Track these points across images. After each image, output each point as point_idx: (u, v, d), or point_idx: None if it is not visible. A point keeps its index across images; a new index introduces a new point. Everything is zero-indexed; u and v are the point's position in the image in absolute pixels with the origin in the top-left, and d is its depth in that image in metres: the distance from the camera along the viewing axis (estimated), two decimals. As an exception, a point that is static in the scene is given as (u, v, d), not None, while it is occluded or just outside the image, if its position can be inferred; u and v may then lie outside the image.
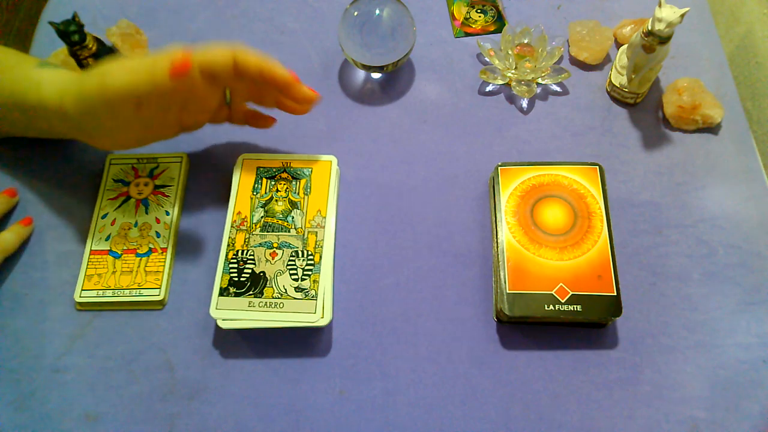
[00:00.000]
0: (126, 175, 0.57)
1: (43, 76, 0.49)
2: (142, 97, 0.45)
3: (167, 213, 0.55)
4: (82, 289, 0.51)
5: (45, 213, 0.56)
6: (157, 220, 0.54)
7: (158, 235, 0.54)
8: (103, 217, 0.55)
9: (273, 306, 0.49)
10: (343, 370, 0.49)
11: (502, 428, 0.47)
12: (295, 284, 0.49)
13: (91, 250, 0.53)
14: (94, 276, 0.52)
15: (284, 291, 0.49)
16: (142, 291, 0.51)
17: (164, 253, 0.53)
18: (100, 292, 0.51)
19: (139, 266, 0.52)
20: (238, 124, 0.56)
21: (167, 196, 0.55)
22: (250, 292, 0.49)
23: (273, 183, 0.54)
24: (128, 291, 0.51)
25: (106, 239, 0.53)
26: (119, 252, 0.53)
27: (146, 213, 0.55)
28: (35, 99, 0.48)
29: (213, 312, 0.49)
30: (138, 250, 0.53)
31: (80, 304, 0.52)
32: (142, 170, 0.57)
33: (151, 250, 0.53)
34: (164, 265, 0.52)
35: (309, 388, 0.49)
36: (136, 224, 0.54)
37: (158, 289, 0.51)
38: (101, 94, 0.44)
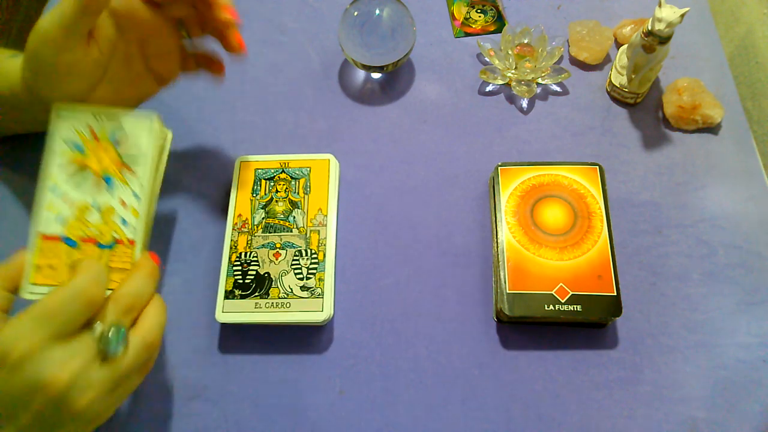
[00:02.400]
0: (81, 135, 0.44)
1: (11, 65, 0.47)
2: (77, 25, 0.40)
3: (136, 196, 0.43)
4: (31, 283, 0.41)
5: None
6: (123, 203, 0.43)
7: (125, 222, 0.43)
8: (53, 189, 0.43)
9: (280, 306, 0.49)
10: (342, 369, 0.49)
11: (502, 428, 0.47)
12: (301, 283, 0.50)
13: (38, 232, 0.42)
14: (44, 267, 0.42)
15: (290, 291, 0.49)
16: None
17: (132, 247, 0.42)
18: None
19: (102, 260, 0.42)
20: (192, 71, 0.52)
21: (133, 172, 0.43)
22: (256, 294, 0.49)
23: (272, 184, 0.54)
24: None
25: (58, 220, 0.43)
26: (76, 240, 0.42)
27: (108, 191, 0.43)
28: (5, 87, 0.47)
29: (219, 316, 0.49)
30: (99, 240, 0.42)
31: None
32: (101, 132, 0.44)
33: (116, 242, 0.42)
34: (131, 262, 0.42)
35: (309, 388, 0.49)
36: (95, 205, 0.43)
37: None
38: (41, 38, 0.41)
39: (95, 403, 0.36)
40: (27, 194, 0.57)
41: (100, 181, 0.43)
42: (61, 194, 0.43)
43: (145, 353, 0.39)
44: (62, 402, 0.35)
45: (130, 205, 0.43)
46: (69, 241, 0.42)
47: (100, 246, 0.42)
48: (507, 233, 0.50)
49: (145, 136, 0.44)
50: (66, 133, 0.43)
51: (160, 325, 0.41)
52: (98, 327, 0.37)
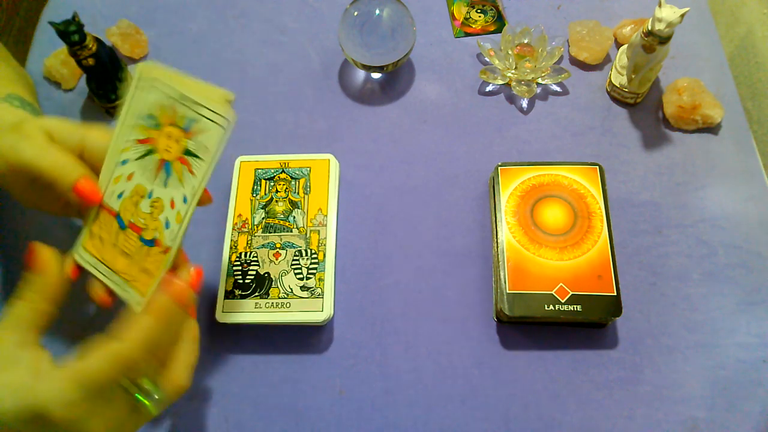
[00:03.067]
0: (161, 112, 0.38)
1: None
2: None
3: (185, 200, 0.38)
4: (82, 247, 0.41)
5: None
6: (172, 204, 0.39)
7: (167, 225, 0.39)
8: (123, 163, 0.40)
9: (279, 306, 0.49)
10: (342, 369, 0.49)
11: (502, 428, 0.47)
12: (301, 283, 0.50)
13: (102, 202, 0.41)
14: (96, 237, 0.41)
15: (290, 290, 0.49)
16: (128, 289, 0.40)
17: (166, 254, 0.38)
18: (96, 262, 0.41)
19: (138, 255, 0.40)
20: None
21: (193, 174, 0.38)
22: (256, 294, 0.49)
23: (272, 184, 0.54)
24: (118, 278, 0.40)
25: (119, 196, 0.40)
26: (126, 222, 0.40)
27: (164, 185, 0.39)
28: None
29: (219, 316, 0.49)
30: (143, 234, 0.39)
31: (78, 265, 0.42)
32: (181, 116, 0.38)
33: (154, 242, 0.39)
34: (160, 269, 0.39)
35: (309, 388, 0.49)
36: (150, 195, 0.39)
37: (142, 298, 0.39)
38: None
39: None
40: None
41: (161, 168, 0.39)
42: (127, 170, 0.40)
43: (176, 397, 0.40)
44: None
45: (177, 208, 0.38)
46: (120, 221, 0.40)
47: (142, 240, 0.39)
48: (507, 233, 0.50)
49: (216, 138, 0.37)
50: (144, 107, 0.39)
51: (190, 365, 0.41)
52: (132, 385, 0.37)
